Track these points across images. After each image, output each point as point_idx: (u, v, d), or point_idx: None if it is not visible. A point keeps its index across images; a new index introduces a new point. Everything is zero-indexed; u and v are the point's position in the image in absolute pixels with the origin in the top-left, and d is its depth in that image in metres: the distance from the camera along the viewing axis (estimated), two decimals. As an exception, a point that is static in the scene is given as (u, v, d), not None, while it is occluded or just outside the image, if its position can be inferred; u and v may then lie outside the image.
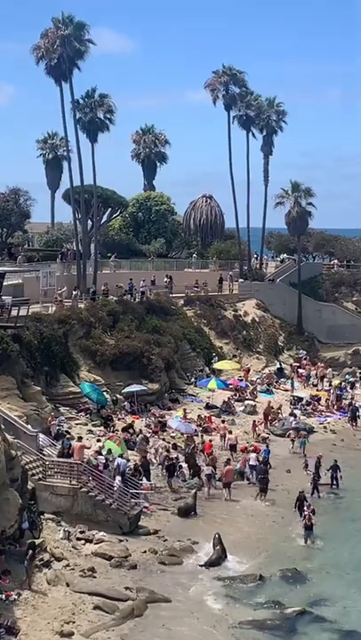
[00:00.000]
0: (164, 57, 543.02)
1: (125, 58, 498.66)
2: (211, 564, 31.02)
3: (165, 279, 63.65)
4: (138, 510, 33.91)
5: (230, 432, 45.33)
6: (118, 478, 34.40)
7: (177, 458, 40.55)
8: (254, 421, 48.83)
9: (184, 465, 40.44)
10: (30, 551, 27.59)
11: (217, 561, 31.22)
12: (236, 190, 69.85)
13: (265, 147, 73.18)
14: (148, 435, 43.54)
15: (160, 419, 46.74)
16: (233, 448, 43.79)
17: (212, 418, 48.80)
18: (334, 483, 40.58)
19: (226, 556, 31.60)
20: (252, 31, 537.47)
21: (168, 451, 41.17)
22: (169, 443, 42.98)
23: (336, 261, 75.98)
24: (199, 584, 29.42)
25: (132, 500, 34.25)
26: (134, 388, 48.19)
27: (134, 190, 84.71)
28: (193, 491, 37.40)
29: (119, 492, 33.59)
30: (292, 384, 59.09)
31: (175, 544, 32.20)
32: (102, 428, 43.23)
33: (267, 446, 43.81)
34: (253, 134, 71.94)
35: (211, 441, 43.91)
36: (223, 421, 47.55)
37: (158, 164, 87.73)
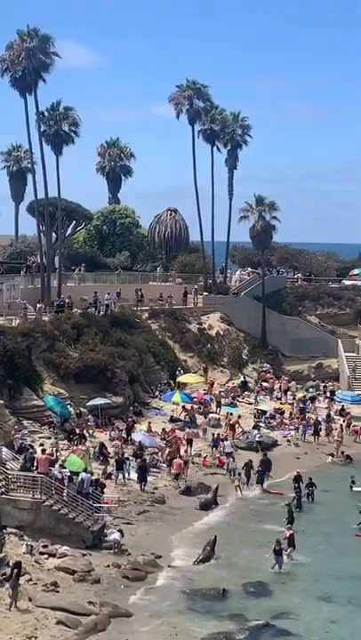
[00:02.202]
0: (130, 70, 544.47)
1: (91, 71, 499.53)
2: (200, 560, 32.50)
3: (138, 293, 63.67)
4: (101, 524, 33.76)
5: (190, 443, 45.84)
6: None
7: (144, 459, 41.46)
8: (219, 434, 48.75)
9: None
10: (15, 570, 27.47)
11: (205, 560, 32.50)
12: (200, 204, 70.03)
13: (229, 161, 73.35)
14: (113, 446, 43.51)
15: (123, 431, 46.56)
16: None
17: (177, 431, 48.73)
18: (310, 499, 40.75)
19: (213, 556, 32.80)
20: (218, 45, 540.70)
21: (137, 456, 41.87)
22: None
23: (300, 275, 76.41)
24: (163, 598, 29.32)
25: (96, 514, 34.09)
26: (98, 401, 48.04)
27: (99, 203, 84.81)
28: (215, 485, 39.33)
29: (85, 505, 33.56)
30: (257, 397, 59.20)
31: (139, 558, 32.06)
32: (66, 441, 43.05)
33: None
34: (218, 148, 72.19)
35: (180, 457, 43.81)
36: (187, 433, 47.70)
37: (123, 177, 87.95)
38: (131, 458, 41.82)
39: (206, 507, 38.86)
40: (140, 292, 64.05)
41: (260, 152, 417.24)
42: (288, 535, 33.34)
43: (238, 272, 77.21)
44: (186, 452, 45.30)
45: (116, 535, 33.08)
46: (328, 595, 30.37)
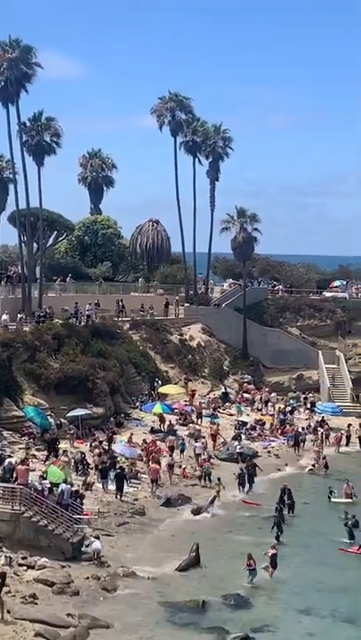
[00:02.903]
0: (113, 81, 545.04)
1: (75, 82, 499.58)
2: (182, 568, 32.70)
3: (120, 303, 63.61)
4: (81, 536, 33.66)
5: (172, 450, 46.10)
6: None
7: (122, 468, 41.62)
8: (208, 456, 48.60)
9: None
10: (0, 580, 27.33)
11: (187, 566, 32.76)
12: (182, 215, 70.26)
13: (211, 172, 73.60)
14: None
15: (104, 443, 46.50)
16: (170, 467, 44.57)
17: (157, 442, 48.71)
18: (290, 511, 40.63)
19: (198, 563, 33.02)
20: (200, 58, 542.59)
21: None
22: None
23: (281, 287, 76.66)
24: (142, 610, 29.23)
25: (75, 526, 33.97)
26: (79, 412, 47.96)
27: (81, 214, 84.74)
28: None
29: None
30: (240, 409, 59.27)
31: (118, 570, 31.96)
32: (46, 452, 42.90)
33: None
34: (200, 160, 72.48)
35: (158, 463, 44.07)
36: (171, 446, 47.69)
37: (105, 187, 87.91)
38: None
39: (198, 512, 39.64)
40: (121, 303, 64.08)
41: (241, 164, 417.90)
42: (271, 554, 32.88)
43: (228, 283, 77.30)
44: (171, 456, 45.93)
45: (97, 544, 32.99)
46: (308, 607, 30.29)
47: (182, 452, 47.73)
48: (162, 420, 52.40)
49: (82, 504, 36.51)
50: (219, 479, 43.25)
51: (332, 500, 43.04)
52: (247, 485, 44.11)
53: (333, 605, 30.64)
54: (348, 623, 29.34)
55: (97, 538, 33.47)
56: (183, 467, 45.80)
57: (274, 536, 36.12)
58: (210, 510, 39.99)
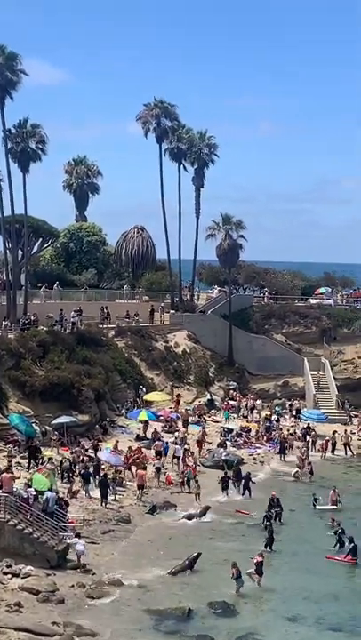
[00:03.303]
0: (98, 88, 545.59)
1: (59, 89, 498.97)
2: (174, 572, 33.05)
3: (105, 310, 63.53)
4: (66, 544, 33.53)
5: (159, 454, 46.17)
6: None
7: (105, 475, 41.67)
8: (185, 450, 48.62)
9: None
10: None
11: (182, 570, 33.18)
12: (167, 222, 70.30)
13: (196, 179, 73.65)
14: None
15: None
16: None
17: (142, 449, 48.62)
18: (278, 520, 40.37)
19: (192, 568, 33.32)
20: (188, 65, 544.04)
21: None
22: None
23: (266, 294, 76.76)
24: (128, 617, 29.13)
25: (60, 534, 33.84)
26: (64, 419, 47.78)
27: (66, 221, 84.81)
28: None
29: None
30: (227, 416, 59.28)
31: (103, 577, 31.88)
32: (31, 460, 42.72)
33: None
34: (185, 167, 72.56)
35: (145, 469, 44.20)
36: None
37: (90, 194, 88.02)
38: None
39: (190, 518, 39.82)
40: (106, 310, 63.97)
41: (228, 170, 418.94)
42: (257, 561, 32.73)
43: (217, 289, 77.45)
44: (159, 459, 46.24)
45: (80, 546, 32.89)
46: (295, 615, 30.15)
47: (165, 455, 47.71)
48: (146, 426, 52.29)
49: (66, 511, 36.36)
50: (196, 481, 43.49)
51: (318, 507, 43.00)
52: (246, 492, 44.39)
53: (320, 613, 30.54)
54: (334, 631, 29.20)
55: (77, 536, 33.48)
56: (168, 474, 45.71)
57: (263, 544, 36.09)
58: (201, 517, 40.10)
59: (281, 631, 29.03)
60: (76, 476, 41.76)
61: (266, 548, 36.02)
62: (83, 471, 41.54)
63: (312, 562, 35.73)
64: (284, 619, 29.96)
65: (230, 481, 44.65)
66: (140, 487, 42.34)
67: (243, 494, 44.37)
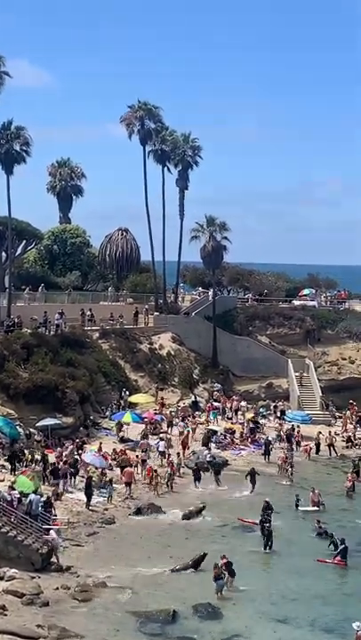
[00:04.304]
0: (83, 91, 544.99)
1: (44, 91, 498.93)
2: (176, 569, 33.45)
3: (87, 313, 63.47)
4: (50, 546, 33.44)
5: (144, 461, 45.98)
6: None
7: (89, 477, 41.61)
8: (169, 455, 48.65)
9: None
10: None
11: (184, 568, 33.43)
12: (152, 224, 70.32)
13: (180, 181, 73.70)
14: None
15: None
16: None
17: (127, 451, 48.60)
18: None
19: (196, 568, 33.56)
20: (172, 67, 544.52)
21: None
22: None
23: (250, 295, 76.87)
24: (112, 620, 29.07)
25: (45, 536, 33.76)
26: (48, 421, 47.71)
27: (50, 223, 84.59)
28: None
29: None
30: (215, 416, 59.45)
31: (88, 580, 31.84)
32: (15, 462, 42.62)
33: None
34: (169, 169, 72.59)
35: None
36: (137, 456, 47.57)
37: (74, 196, 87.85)
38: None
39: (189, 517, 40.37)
40: (90, 312, 63.82)
41: (213, 172, 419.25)
42: (223, 563, 32.42)
43: (211, 292, 77.53)
44: (145, 452, 47.26)
45: (53, 536, 33.06)
46: (285, 617, 30.03)
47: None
48: (120, 428, 52.41)
49: (50, 513, 36.27)
50: (170, 479, 44.52)
51: (300, 508, 42.87)
52: (250, 486, 45.34)
53: (309, 615, 30.40)
54: (326, 633, 29.12)
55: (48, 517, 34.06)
56: (148, 466, 45.95)
57: (263, 544, 36.46)
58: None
59: (269, 633, 28.92)
60: (60, 478, 41.65)
61: (265, 549, 36.33)
62: (61, 467, 41.86)
63: (300, 563, 35.59)
64: (275, 620, 29.81)
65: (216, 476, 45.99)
66: (128, 484, 42.64)
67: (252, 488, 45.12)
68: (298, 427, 58.62)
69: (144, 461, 46.31)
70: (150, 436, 52.17)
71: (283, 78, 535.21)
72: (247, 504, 42.99)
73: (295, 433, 56.92)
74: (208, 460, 49.41)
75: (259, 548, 36.90)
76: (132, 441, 50.87)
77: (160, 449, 48.66)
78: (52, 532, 33.40)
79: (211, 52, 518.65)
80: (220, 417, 60.02)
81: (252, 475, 45.90)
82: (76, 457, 44.39)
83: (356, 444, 57.54)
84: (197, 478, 45.60)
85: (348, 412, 62.39)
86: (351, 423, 61.17)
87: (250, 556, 35.83)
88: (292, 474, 49.05)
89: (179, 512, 40.93)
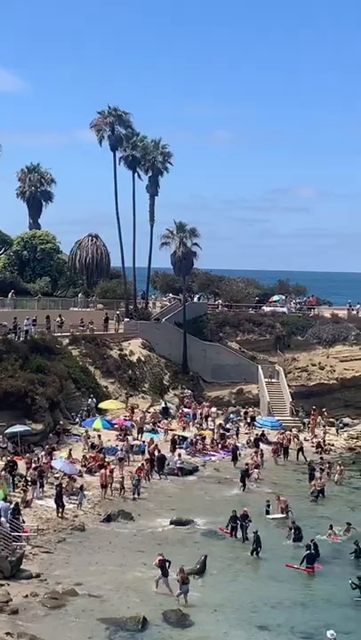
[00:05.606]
0: (53, 96, 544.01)
1: (13, 96, 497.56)
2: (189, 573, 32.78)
3: (57, 319, 63.19)
4: (19, 554, 33.22)
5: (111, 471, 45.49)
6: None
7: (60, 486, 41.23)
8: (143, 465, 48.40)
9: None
10: None
11: (192, 573, 33.17)
12: (122, 230, 70.34)
13: (151, 187, 73.75)
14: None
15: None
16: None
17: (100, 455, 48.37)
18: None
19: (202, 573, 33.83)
20: (144, 73, 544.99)
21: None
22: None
23: (220, 301, 76.99)
24: (82, 627, 28.90)
25: (14, 543, 33.54)
26: (17, 428, 47.44)
27: (19, 228, 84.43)
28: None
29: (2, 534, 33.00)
30: (189, 419, 59.65)
31: (58, 587, 31.63)
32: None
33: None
34: (139, 175, 72.60)
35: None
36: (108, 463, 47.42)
37: (44, 202, 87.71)
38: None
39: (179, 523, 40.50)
40: (60, 318, 63.56)
41: (184, 179, 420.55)
42: (157, 562, 32.41)
43: (197, 297, 77.75)
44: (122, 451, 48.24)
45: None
46: (261, 623, 29.95)
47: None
48: (88, 436, 52.22)
49: (19, 520, 36.06)
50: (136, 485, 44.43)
51: (268, 516, 42.47)
52: (240, 484, 46.78)
53: (288, 621, 30.36)
54: (304, 639, 29.10)
55: None
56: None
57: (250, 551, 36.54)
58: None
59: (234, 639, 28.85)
60: (29, 485, 41.41)
61: (252, 554, 36.48)
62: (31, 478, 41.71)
63: (278, 570, 35.49)
64: (236, 627, 29.73)
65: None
66: (104, 486, 42.84)
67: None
68: (291, 431, 59.52)
69: (121, 459, 46.95)
70: (120, 443, 51.97)
71: (254, 87, 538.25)
72: (245, 501, 43.62)
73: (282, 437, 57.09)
74: (178, 466, 49.37)
75: (232, 554, 36.92)
76: (104, 447, 50.38)
77: (119, 455, 48.27)
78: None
79: (183, 61, 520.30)
80: (190, 423, 60.03)
81: (244, 475, 46.90)
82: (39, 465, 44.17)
83: (326, 450, 57.69)
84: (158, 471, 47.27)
85: (318, 418, 62.63)
86: (323, 428, 61.41)
87: (225, 562, 35.73)
88: (257, 478, 49.12)
89: (157, 519, 40.97)
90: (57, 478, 43.52)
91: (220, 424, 60.07)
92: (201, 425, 60.30)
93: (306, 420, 63.19)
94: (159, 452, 50.06)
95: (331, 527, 40.01)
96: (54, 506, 39.84)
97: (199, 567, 34.03)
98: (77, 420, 55.32)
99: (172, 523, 40.44)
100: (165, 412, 61.76)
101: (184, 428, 58.42)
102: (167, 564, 32.33)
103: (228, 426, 60.39)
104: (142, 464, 47.42)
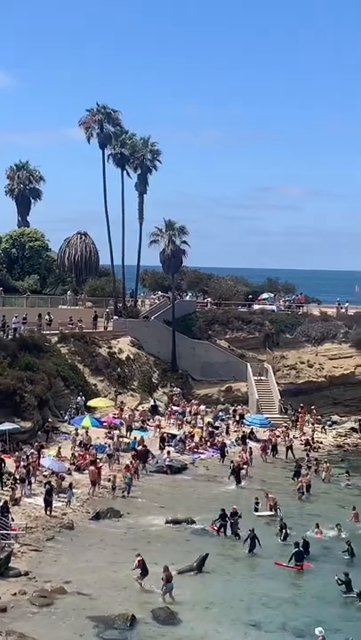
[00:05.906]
0: (42, 93, 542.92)
1: (5, 94, 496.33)
2: (181, 571, 33.18)
3: (46, 317, 63.05)
4: (8, 552, 33.13)
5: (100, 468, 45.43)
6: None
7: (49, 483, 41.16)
8: (132, 462, 48.37)
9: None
10: None
11: (189, 570, 33.62)
12: (111, 228, 70.20)
13: (140, 185, 73.63)
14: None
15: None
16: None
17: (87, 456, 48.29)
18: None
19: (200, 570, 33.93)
20: (132, 72, 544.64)
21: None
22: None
23: (209, 299, 76.99)
24: (71, 626, 28.83)
25: (2, 541, 33.46)
26: (6, 426, 47.27)
27: (8, 226, 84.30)
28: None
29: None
30: (179, 417, 59.72)
31: (46, 585, 31.53)
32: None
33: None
34: (128, 173, 72.50)
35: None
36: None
37: (32, 200, 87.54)
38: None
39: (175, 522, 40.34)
40: (49, 316, 63.43)
41: (172, 177, 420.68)
42: (137, 562, 32.38)
43: (188, 295, 77.73)
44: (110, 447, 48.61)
45: None
46: (254, 621, 29.93)
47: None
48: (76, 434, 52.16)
49: (7, 518, 35.95)
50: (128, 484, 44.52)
51: (256, 513, 42.45)
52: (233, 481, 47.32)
53: (280, 618, 30.35)
54: (296, 636, 29.05)
55: None
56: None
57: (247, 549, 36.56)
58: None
59: (221, 636, 28.76)
60: (18, 483, 41.32)
61: (249, 552, 36.51)
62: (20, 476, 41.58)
63: (265, 567, 35.50)
64: (224, 623, 29.68)
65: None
66: (94, 483, 42.75)
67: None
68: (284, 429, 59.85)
69: (110, 456, 47.41)
70: (109, 441, 51.92)
71: (243, 86, 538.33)
72: (235, 498, 43.82)
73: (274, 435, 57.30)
74: (167, 463, 49.35)
75: (223, 551, 36.90)
76: (92, 445, 50.31)
77: (108, 452, 48.40)
78: None
79: (175, 59, 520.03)
80: (179, 421, 60.01)
81: (237, 471, 47.23)
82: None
83: (315, 447, 57.78)
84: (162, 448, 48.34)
85: (307, 416, 62.71)
86: (311, 425, 61.52)
87: (215, 559, 35.65)
88: (245, 475, 49.14)
89: (147, 516, 40.91)
90: (45, 476, 43.40)
91: (209, 422, 60.12)
92: (193, 422, 60.17)
93: (293, 418, 63.15)
94: (144, 447, 50.09)
95: (317, 525, 40.02)
96: (43, 504, 39.76)
97: (197, 564, 33.96)
98: (66, 417, 55.20)
99: (167, 522, 40.29)
100: (154, 410, 61.69)
101: (179, 426, 58.35)
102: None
103: (216, 424, 60.47)
104: (131, 462, 47.36)
